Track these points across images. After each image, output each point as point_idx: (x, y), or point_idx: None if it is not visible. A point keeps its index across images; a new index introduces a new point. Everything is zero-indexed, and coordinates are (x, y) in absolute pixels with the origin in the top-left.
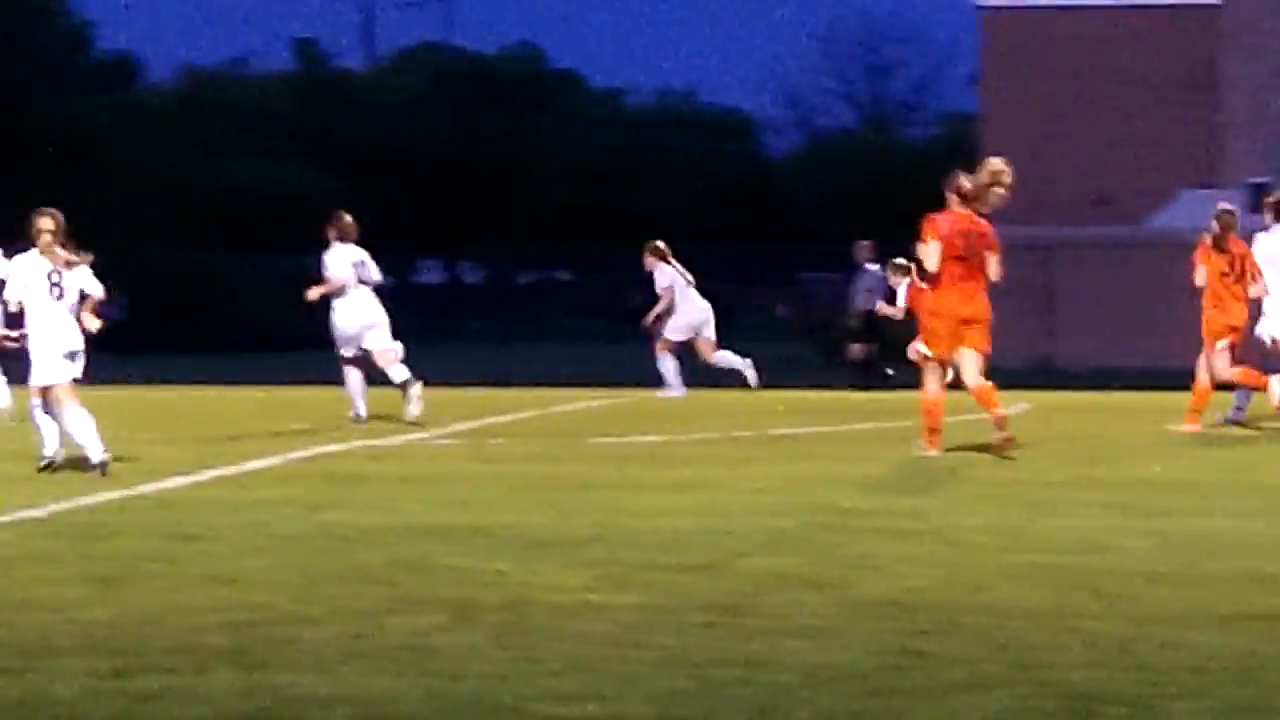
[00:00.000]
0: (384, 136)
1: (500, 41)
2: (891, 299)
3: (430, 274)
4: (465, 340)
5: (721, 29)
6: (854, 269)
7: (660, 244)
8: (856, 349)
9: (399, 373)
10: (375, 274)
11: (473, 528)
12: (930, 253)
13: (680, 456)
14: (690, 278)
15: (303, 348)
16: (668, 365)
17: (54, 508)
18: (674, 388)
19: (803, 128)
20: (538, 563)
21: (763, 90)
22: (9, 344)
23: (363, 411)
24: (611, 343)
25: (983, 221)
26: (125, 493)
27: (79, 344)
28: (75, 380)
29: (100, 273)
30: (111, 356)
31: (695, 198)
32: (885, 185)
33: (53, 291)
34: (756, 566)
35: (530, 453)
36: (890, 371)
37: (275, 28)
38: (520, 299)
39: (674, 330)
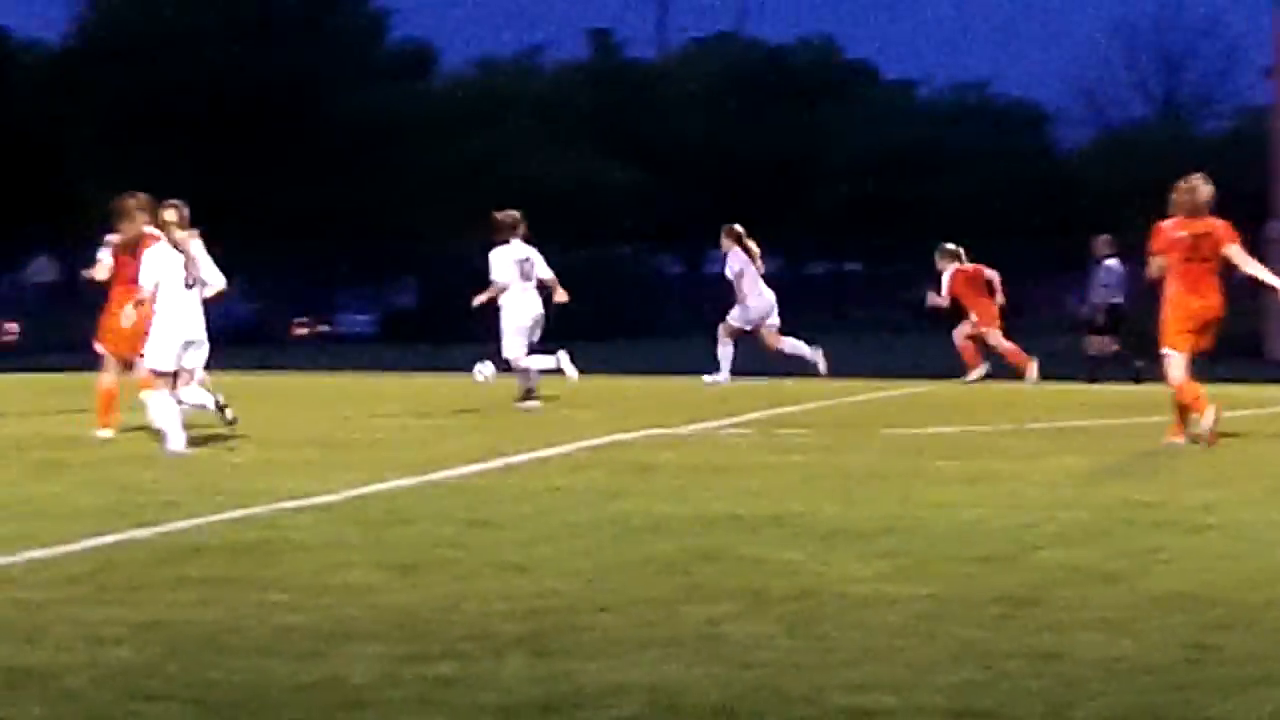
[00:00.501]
0: (677, 127)
1: (794, 32)
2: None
3: (721, 265)
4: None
5: (1016, 20)
6: (1094, 263)
7: (737, 227)
8: (1096, 342)
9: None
10: (543, 271)
11: (765, 517)
12: (1156, 264)
13: (973, 448)
14: (761, 265)
15: (588, 338)
16: (726, 351)
17: (349, 493)
18: (722, 375)
19: (1096, 120)
20: (830, 552)
21: (1056, 82)
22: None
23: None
24: (901, 333)
25: (1210, 221)
26: (419, 479)
27: (200, 334)
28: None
29: (393, 261)
30: (401, 345)
31: (986, 190)
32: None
33: (185, 280)
34: (1048, 559)
35: (822, 443)
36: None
37: (570, 17)
38: (811, 290)
39: (738, 318)
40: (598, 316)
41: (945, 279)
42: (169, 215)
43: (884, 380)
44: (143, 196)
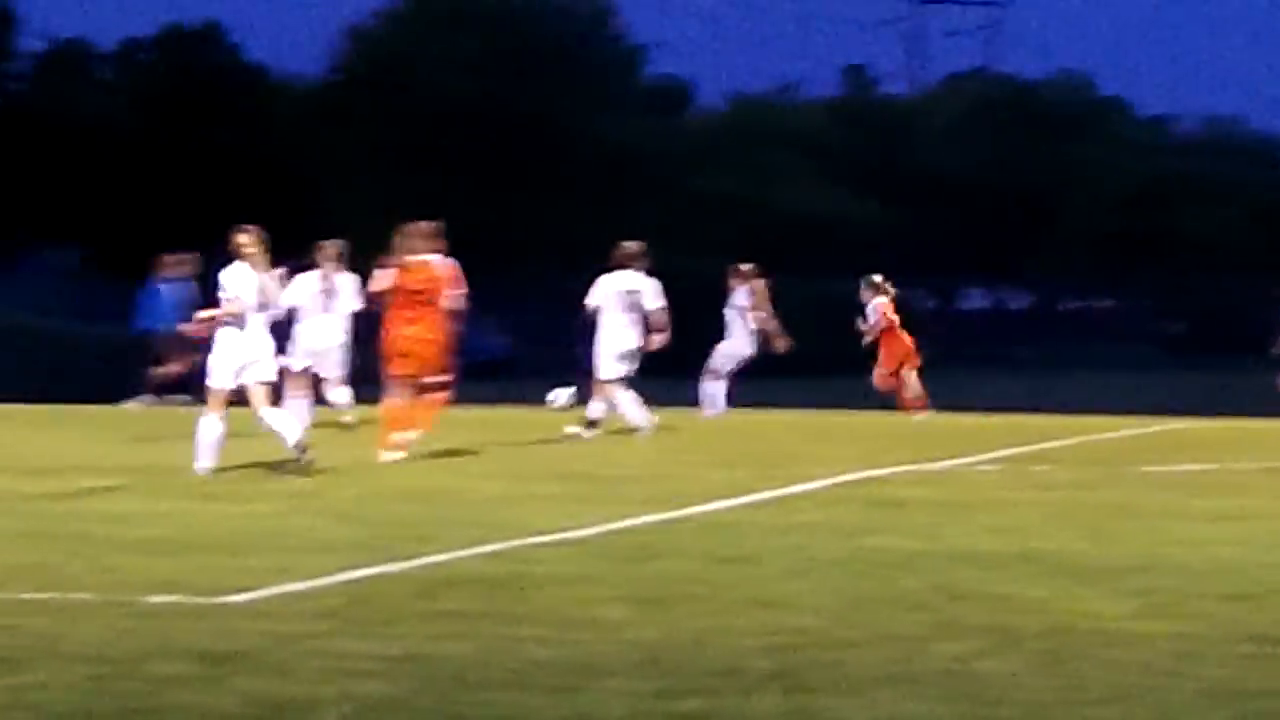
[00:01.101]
0: (929, 163)
1: (1047, 67)
2: None
3: (974, 300)
4: (1009, 366)
5: (1271, 53)
6: None
7: (743, 266)
8: None
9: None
10: (651, 304)
11: (1014, 554)
12: None
13: (1227, 485)
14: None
15: (843, 372)
16: (712, 388)
17: (598, 529)
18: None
19: None
20: (1079, 590)
21: None
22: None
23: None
24: (1152, 370)
25: None
26: (669, 515)
27: (260, 354)
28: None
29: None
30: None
31: (1237, 225)
32: None
33: (256, 301)
34: None
35: (1073, 480)
36: None
37: (823, 54)
38: (1063, 325)
39: (722, 357)
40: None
41: (871, 310)
42: (243, 239)
43: (1134, 416)
44: (425, 225)
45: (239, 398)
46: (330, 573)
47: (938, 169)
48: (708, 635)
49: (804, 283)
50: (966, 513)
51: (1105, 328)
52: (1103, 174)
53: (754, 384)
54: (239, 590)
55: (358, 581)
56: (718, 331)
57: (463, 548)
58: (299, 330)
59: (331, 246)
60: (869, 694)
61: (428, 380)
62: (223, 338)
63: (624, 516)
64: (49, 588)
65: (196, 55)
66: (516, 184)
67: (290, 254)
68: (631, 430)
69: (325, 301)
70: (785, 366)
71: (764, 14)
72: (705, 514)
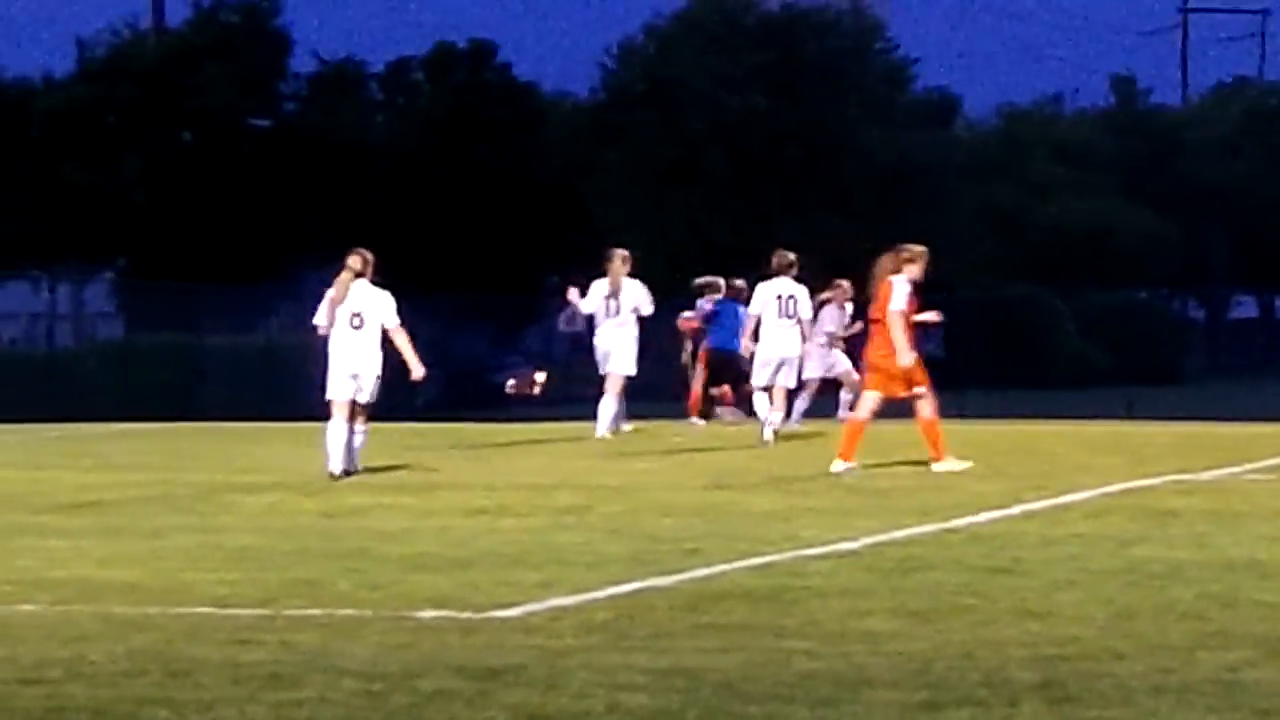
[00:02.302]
0: (1200, 172)
1: None
2: None
3: (1245, 309)
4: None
5: None
6: None
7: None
8: None
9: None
10: (804, 311)
11: None
12: None
13: None
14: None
15: (1112, 383)
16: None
17: (867, 541)
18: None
19: None
20: None
21: None
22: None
23: None
24: None
25: None
26: (937, 526)
27: (362, 368)
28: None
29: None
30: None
31: None
32: None
33: (352, 321)
34: None
35: None
36: None
37: (1093, 64)
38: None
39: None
40: (1118, 362)
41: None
42: (351, 261)
43: None
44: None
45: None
46: (598, 587)
47: (1209, 179)
48: (975, 647)
49: (1075, 294)
50: (1236, 521)
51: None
52: None
53: (1025, 395)
54: (508, 605)
55: (625, 595)
56: (989, 344)
57: (730, 561)
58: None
59: (618, 254)
60: (1136, 704)
61: (903, 395)
62: (331, 353)
63: (892, 528)
64: (320, 604)
65: (468, 74)
66: (786, 199)
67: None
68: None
69: (611, 306)
70: (1054, 378)
71: (1031, 24)
72: (974, 525)
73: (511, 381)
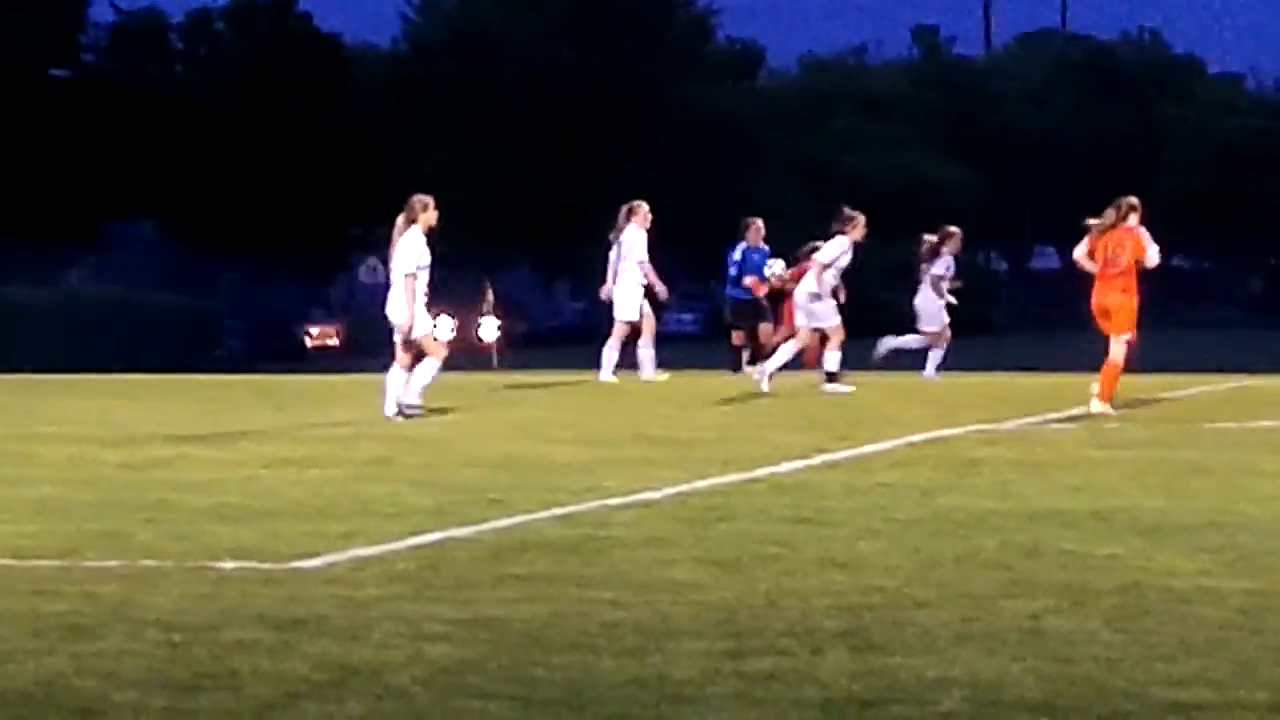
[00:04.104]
0: (1005, 124)
1: (1116, 26)
2: None
3: (1046, 260)
4: (1081, 326)
5: None
6: None
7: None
8: None
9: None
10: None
11: (1087, 512)
12: None
13: None
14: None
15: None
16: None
17: (670, 491)
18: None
19: None
20: (1152, 547)
21: None
22: None
23: None
24: (1229, 329)
25: None
26: (741, 476)
27: (395, 317)
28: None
29: (717, 258)
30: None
31: None
32: None
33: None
34: None
35: (1147, 438)
36: None
37: (895, 15)
38: (1142, 285)
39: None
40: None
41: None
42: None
43: (1209, 375)
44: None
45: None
46: (401, 537)
47: (1016, 130)
48: (780, 596)
49: (884, 245)
50: (1040, 471)
51: (1182, 287)
52: (1181, 133)
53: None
54: (311, 556)
55: (429, 546)
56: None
57: (533, 511)
58: None
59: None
60: (940, 652)
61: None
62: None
63: (696, 479)
64: (121, 555)
65: (269, 25)
66: (593, 151)
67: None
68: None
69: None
70: (873, 329)
71: None
72: (777, 475)
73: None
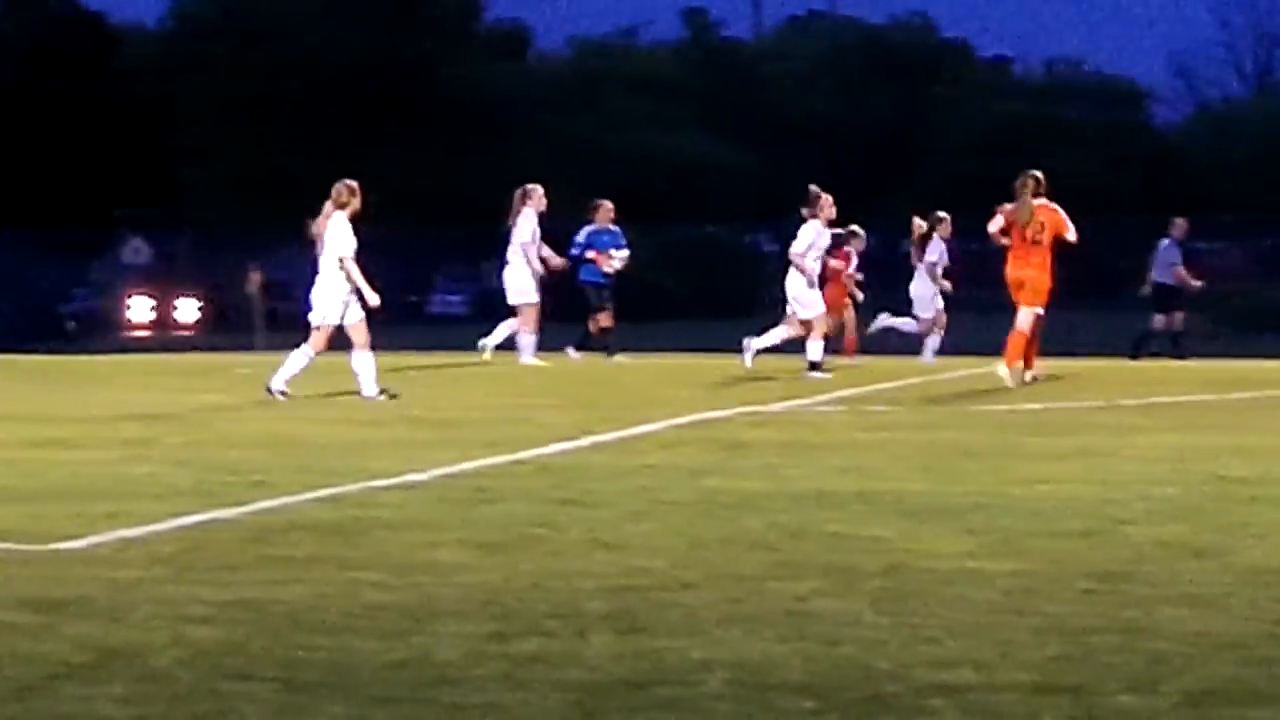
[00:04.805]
0: (776, 106)
1: (886, 10)
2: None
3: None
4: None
5: None
6: (1172, 242)
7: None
8: (1160, 320)
9: None
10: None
11: (853, 494)
12: None
13: (1063, 424)
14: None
15: (685, 316)
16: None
17: (437, 472)
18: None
19: (1191, 97)
20: (918, 529)
21: (1151, 59)
22: None
23: None
24: (996, 311)
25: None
26: (507, 458)
27: (317, 302)
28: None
29: (491, 241)
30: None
31: (1086, 167)
32: (1275, 155)
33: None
34: (1138, 535)
35: (913, 420)
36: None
37: None
38: (907, 268)
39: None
40: (694, 295)
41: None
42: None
43: (974, 358)
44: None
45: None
46: (164, 519)
47: (786, 113)
48: (545, 578)
49: (650, 227)
50: (807, 453)
51: (951, 270)
52: (952, 117)
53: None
54: (71, 537)
55: (192, 528)
56: (558, 277)
57: (298, 493)
58: None
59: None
60: (706, 634)
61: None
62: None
63: (462, 460)
64: None
65: (33, 2)
66: (363, 131)
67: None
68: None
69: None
70: (642, 311)
71: None
72: (545, 457)
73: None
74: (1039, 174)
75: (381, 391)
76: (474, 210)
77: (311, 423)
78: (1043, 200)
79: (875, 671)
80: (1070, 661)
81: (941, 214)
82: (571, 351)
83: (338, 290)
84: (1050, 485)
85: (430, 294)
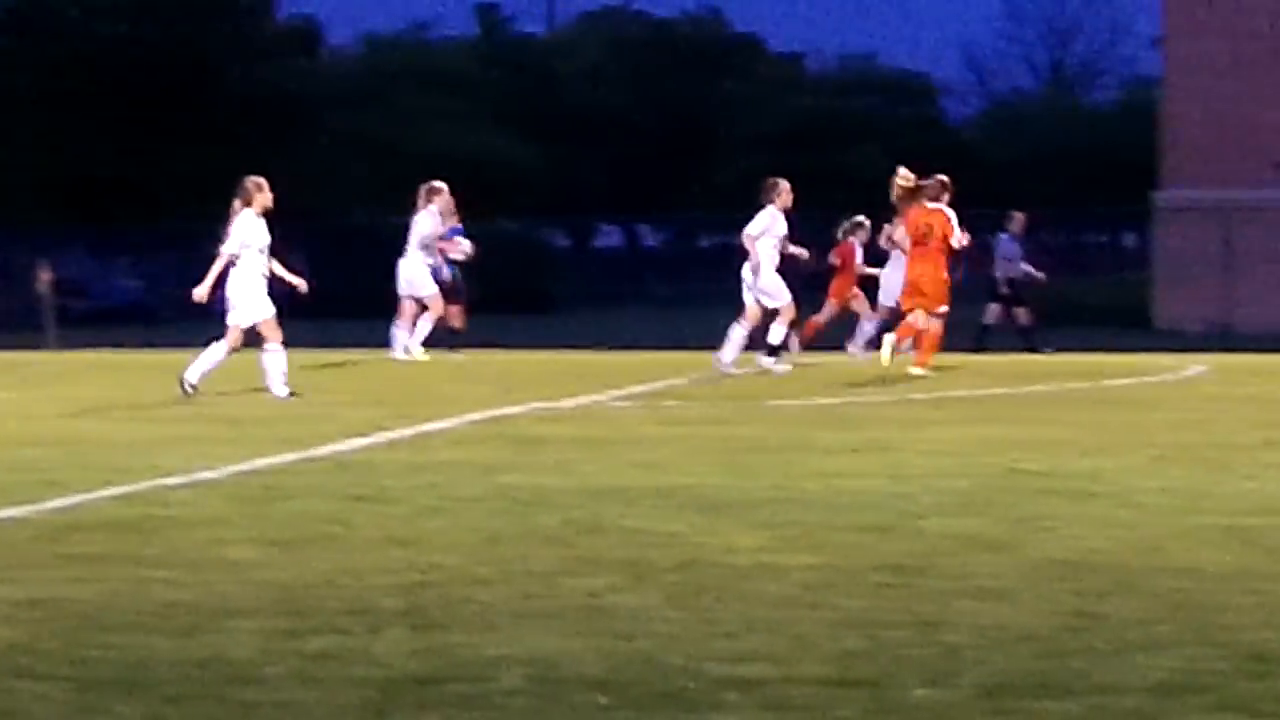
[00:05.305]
0: (568, 102)
1: (679, 5)
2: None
3: (610, 238)
4: (646, 304)
5: None
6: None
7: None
8: (995, 311)
9: None
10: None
11: (648, 489)
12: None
13: (857, 419)
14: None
15: (475, 311)
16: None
17: (230, 469)
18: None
19: (984, 91)
20: (713, 524)
21: (943, 54)
22: None
23: None
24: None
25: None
26: (300, 455)
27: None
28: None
29: (286, 236)
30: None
31: (877, 162)
32: (1066, 149)
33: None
34: (932, 528)
35: (707, 415)
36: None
37: None
38: (702, 263)
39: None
40: (487, 291)
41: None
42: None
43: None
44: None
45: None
46: None
47: (579, 108)
48: (339, 575)
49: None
50: (601, 449)
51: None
52: (744, 112)
53: (375, 324)
54: None
55: None
56: (351, 273)
57: (90, 491)
58: None
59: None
60: (501, 629)
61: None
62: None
63: (255, 457)
64: None
65: None
66: (154, 129)
67: None
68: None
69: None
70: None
71: None
72: (339, 454)
73: None
74: (944, 178)
75: (291, 393)
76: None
77: (104, 420)
78: (940, 203)
79: (670, 666)
80: (865, 655)
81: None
82: (412, 348)
83: (255, 286)
84: (844, 479)
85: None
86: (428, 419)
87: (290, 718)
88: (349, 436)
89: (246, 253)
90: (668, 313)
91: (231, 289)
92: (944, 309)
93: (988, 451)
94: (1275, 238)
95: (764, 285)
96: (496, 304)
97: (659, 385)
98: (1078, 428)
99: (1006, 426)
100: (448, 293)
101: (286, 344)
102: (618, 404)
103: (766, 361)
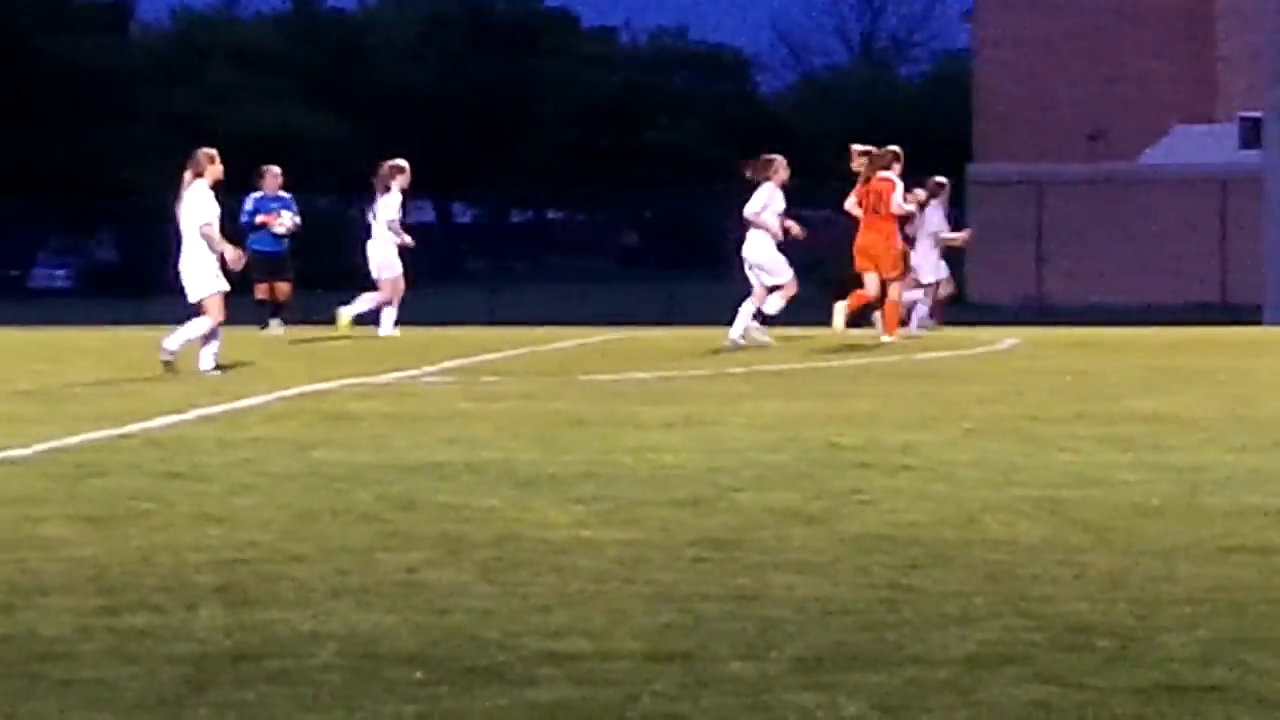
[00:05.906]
0: (379, 78)
1: None
2: None
3: (421, 214)
4: (459, 280)
5: None
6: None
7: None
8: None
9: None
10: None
11: (462, 464)
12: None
13: (671, 393)
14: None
15: (295, 288)
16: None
17: (40, 447)
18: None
19: (796, 65)
20: (528, 499)
21: (756, 27)
22: None
23: None
24: (603, 281)
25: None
26: (112, 432)
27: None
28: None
29: (93, 214)
30: (99, 299)
31: (691, 137)
32: (879, 123)
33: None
34: (747, 502)
35: (521, 390)
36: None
37: None
38: (515, 239)
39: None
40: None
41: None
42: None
43: (582, 327)
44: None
45: None
46: None
47: (390, 84)
48: (153, 552)
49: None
50: (414, 425)
51: (559, 240)
52: (557, 87)
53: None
54: None
55: None
56: (157, 251)
57: None
58: None
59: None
60: (316, 605)
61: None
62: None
63: (67, 434)
64: None
65: None
66: None
67: None
68: None
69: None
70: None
71: None
72: (150, 430)
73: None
74: (895, 149)
75: (217, 367)
76: (78, 184)
77: None
78: (890, 172)
79: (485, 641)
80: (681, 629)
81: (939, 179)
82: (275, 325)
83: (207, 260)
84: (659, 454)
85: (31, 268)
86: (240, 395)
87: (106, 695)
88: (162, 414)
89: (200, 226)
90: (482, 288)
91: (185, 264)
92: (897, 275)
93: (804, 425)
94: (1086, 211)
95: (765, 262)
96: (311, 280)
97: (474, 360)
98: (893, 401)
99: (822, 401)
100: (277, 267)
101: (115, 324)
102: (432, 380)
103: (756, 331)
